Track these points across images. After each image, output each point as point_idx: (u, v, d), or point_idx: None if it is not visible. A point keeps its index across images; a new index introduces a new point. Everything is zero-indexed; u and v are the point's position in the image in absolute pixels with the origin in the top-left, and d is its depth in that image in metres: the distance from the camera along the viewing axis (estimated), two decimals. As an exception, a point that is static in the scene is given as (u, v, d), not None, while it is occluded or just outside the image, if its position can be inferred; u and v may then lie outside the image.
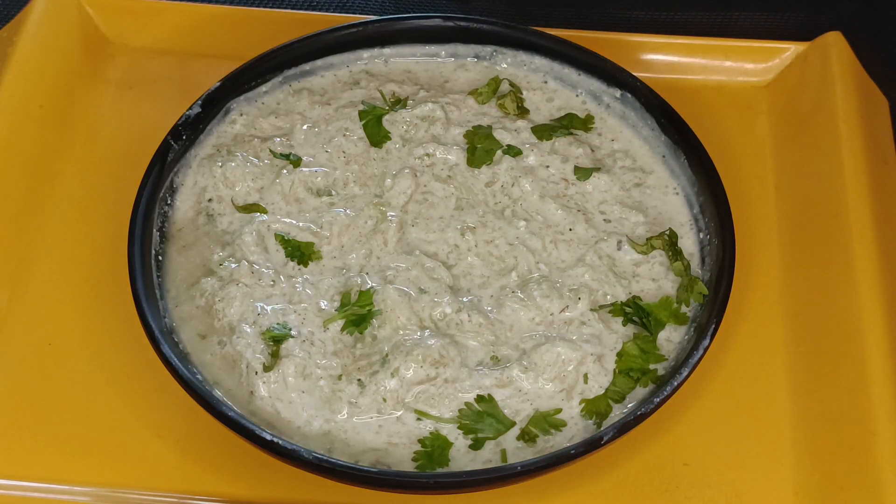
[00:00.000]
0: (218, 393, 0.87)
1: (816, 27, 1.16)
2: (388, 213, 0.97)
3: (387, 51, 1.10)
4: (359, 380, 0.88)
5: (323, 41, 1.08)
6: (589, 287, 0.93)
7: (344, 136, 1.03)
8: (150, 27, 1.17)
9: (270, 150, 1.01)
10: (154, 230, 0.95)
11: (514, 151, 1.02)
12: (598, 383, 0.89)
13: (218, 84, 1.02)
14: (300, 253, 0.95)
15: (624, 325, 0.92)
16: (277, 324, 0.90)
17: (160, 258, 0.95)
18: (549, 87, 1.09)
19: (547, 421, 0.87)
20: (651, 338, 0.91)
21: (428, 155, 1.02)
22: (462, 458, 0.86)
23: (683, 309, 0.93)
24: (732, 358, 0.96)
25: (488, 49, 1.10)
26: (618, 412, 0.88)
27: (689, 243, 0.98)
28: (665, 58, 1.16)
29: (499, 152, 1.02)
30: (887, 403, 0.90)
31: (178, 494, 0.88)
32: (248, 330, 0.90)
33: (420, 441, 0.86)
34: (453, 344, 0.89)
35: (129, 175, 0.98)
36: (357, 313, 0.91)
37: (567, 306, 0.92)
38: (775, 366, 0.96)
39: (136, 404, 0.92)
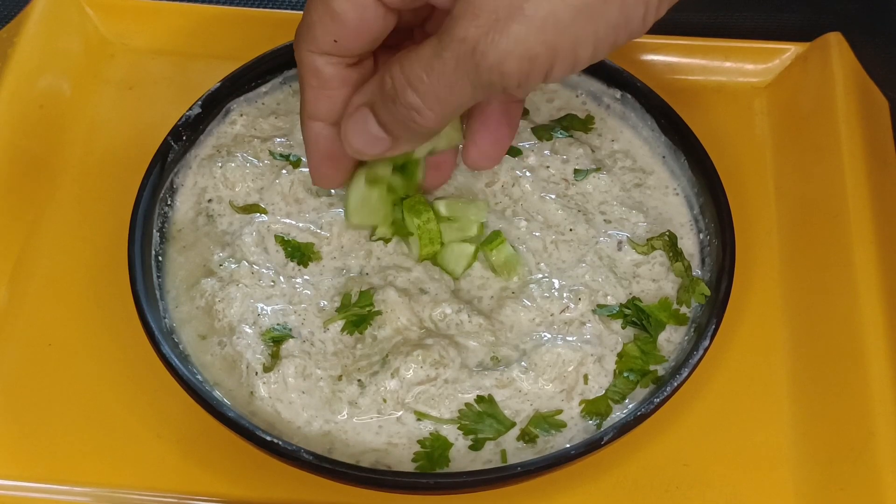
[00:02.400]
0: (218, 393, 0.87)
1: (816, 27, 1.16)
2: (389, 214, 0.98)
3: (387, 51, 1.10)
4: (359, 380, 0.88)
5: (323, 41, 1.07)
6: (589, 288, 0.93)
7: (344, 136, 1.03)
8: (150, 28, 1.17)
9: (270, 151, 1.01)
10: (154, 230, 0.95)
11: (514, 152, 1.02)
12: (599, 384, 0.89)
13: (218, 84, 1.02)
14: (300, 253, 0.95)
15: (623, 327, 0.92)
16: (277, 324, 0.90)
17: (160, 258, 0.95)
18: (549, 87, 1.09)
19: (547, 421, 0.87)
20: (651, 339, 0.91)
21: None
22: (462, 458, 0.86)
23: (683, 309, 0.93)
24: (732, 358, 0.96)
25: (488, 49, 1.09)
26: (618, 413, 0.88)
27: (689, 244, 0.98)
28: (665, 58, 1.16)
29: (499, 152, 1.02)
30: (887, 403, 0.90)
31: (178, 494, 0.89)
32: (249, 330, 0.90)
33: (420, 442, 0.86)
34: (453, 344, 0.89)
35: (129, 175, 0.98)
36: (357, 314, 0.91)
37: (567, 307, 0.92)
38: (775, 366, 0.96)
39: (136, 404, 0.92)
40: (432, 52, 0.67)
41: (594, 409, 0.88)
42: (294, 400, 0.87)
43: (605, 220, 0.99)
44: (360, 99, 0.76)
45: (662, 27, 1.24)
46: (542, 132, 1.04)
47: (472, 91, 0.68)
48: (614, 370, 0.90)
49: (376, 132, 0.76)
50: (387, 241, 0.95)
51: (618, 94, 1.05)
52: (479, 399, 0.88)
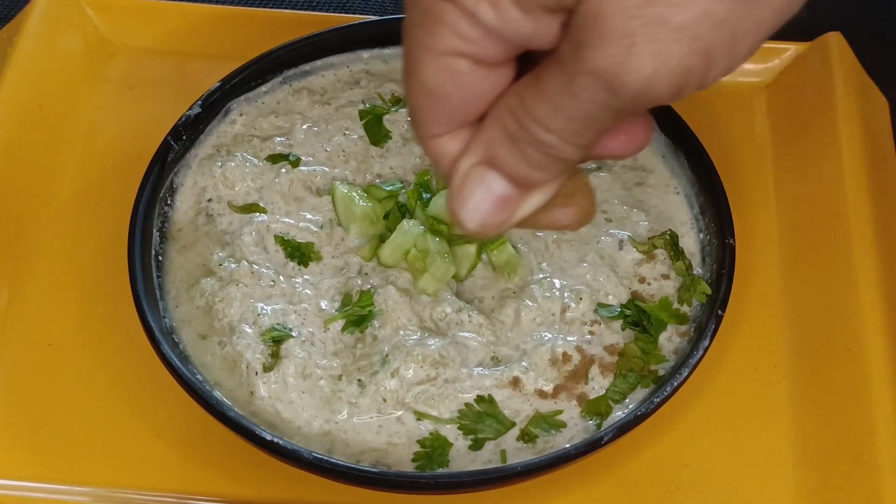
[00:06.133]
0: (218, 393, 0.87)
1: (816, 27, 1.16)
2: (389, 213, 0.98)
3: (387, 51, 1.10)
4: (359, 380, 0.88)
5: (323, 41, 1.08)
6: (591, 287, 0.93)
7: (344, 135, 1.03)
8: (149, 27, 1.17)
9: (269, 151, 1.01)
10: (154, 230, 0.95)
11: (514, 151, 1.02)
12: (599, 384, 0.89)
13: (218, 84, 1.02)
14: (300, 253, 0.95)
15: (623, 329, 0.92)
16: (277, 324, 0.90)
17: (160, 258, 0.95)
18: (550, 87, 1.08)
19: (547, 421, 0.87)
20: (652, 339, 0.91)
21: (429, 154, 1.02)
22: (462, 458, 0.86)
23: (684, 308, 0.93)
24: (732, 358, 0.96)
25: (488, 49, 1.09)
26: (618, 413, 0.88)
27: (689, 243, 0.98)
28: (665, 58, 1.16)
29: (499, 152, 1.02)
30: (887, 404, 0.90)
31: (178, 494, 0.88)
32: (249, 330, 0.90)
33: (420, 442, 0.86)
34: (453, 344, 0.89)
35: (129, 175, 0.98)
36: (358, 313, 0.91)
37: (569, 307, 0.92)
38: (775, 366, 0.96)
39: (136, 404, 0.92)
40: (559, 88, 0.55)
41: (594, 409, 0.88)
42: (294, 400, 0.87)
43: (606, 219, 0.99)
44: (470, 160, 0.61)
45: (662, 27, 1.25)
46: (543, 132, 1.04)
47: (615, 115, 0.56)
48: (615, 370, 0.90)
49: (502, 190, 0.61)
50: (367, 258, 0.95)
51: (618, 93, 1.05)
52: (479, 399, 0.88)
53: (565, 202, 0.65)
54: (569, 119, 0.56)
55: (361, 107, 1.05)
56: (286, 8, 1.27)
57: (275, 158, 1.01)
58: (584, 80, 0.53)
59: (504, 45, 0.56)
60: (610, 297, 0.93)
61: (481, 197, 0.62)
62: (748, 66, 1.15)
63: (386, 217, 0.96)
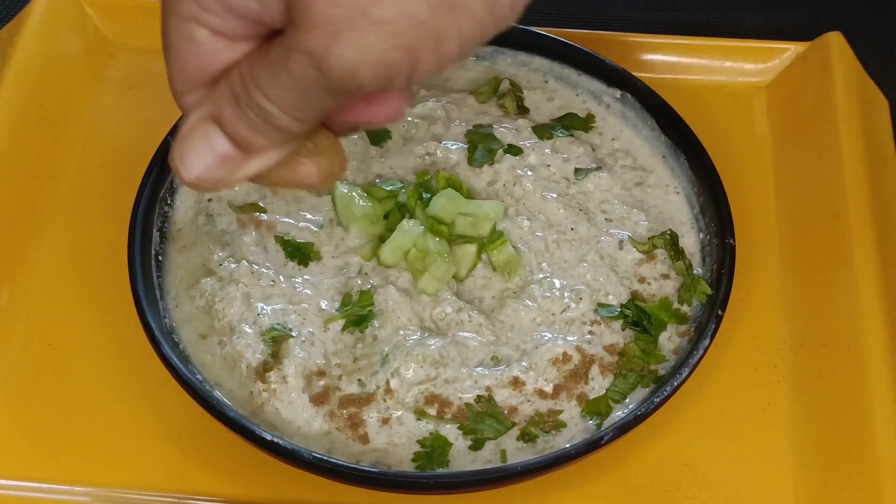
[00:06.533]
0: (218, 393, 0.87)
1: (816, 27, 1.16)
2: (389, 213, 0.98)
3: (387, 50, 1.10)
4: (359, 380, 0.88)
5: (323, 41, 1.07)
6: (591, 287, 0.93)
7: (344, 135, 1.03)
8: (150, 27, 1.16)
9: None
10: (154, 230, 0.95)
11: (515, 150, 1.02)
12: (599, 384, 0.89)
13: (218, 84, 1.02)
14: (300, 253, 0.95)
15: (623, 329, 0.92)
16: (277, 324, 0.90)
17: (160, 258, 0.95)
18: (550, 86, 1.09)
19: (547, 421, 0.87)
20: (652, 338, 0.91)
21: (429, 154, 1.02)
22: (462, 458, 0.86)
23: (684, 308, 0.93)
24: (732, 358, 0.96)
25: (488, 49, 1.10)
26: (618, 412, 0.88)
27: (689, 243, 0.98)
28: (665, 58, 1.16)
29: (500, 151, 1.02)
30: (887, 403, 0.90)
31: (178, 494, 0.88)
32: (249, 330, 0.90)
33: (420, 442, 0.86)
34: (453, 344, 0.89)
35: (129, 175, 0.98)
36: (358, 313, 0.91)
37: (568, 306, 0.92)
38: (775, 366, 0.96)
39: (136, 404, 0.92)
40: (277, 59, 0.59)
41: (594, 409, 0.88)
42: (294, 400, 0.87)
43: (606, 219, 0.99)
44: (199, 114, 0.64)
45: (662, 27, 1.25)
46: (543, 131, 1.04)
47: (330, 96, 0.59)
48: (615, 370, 0.90)
49: (223, 148, 0.64)
50: (367, 258, 0.95)
51: (618, 93, 1.05)
52: (479, 399, 0.88)
53: (306, 162, 0.67)
54: (285, 90, 0.59)
55: (361, 106, 1.05)
56: (286, 8, 1.27)
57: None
58: (296, 56, 0.57)
59: (242, 22, 0.60)
60: (610, 297, 0.93)
61: (202, 151, 0.64)
62: (748, 65, 1.16)
63: (386, 217, 0.96)
